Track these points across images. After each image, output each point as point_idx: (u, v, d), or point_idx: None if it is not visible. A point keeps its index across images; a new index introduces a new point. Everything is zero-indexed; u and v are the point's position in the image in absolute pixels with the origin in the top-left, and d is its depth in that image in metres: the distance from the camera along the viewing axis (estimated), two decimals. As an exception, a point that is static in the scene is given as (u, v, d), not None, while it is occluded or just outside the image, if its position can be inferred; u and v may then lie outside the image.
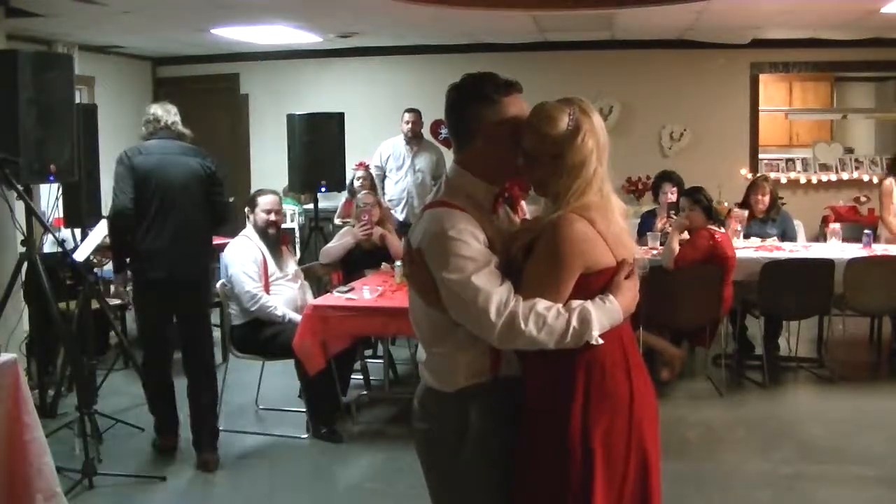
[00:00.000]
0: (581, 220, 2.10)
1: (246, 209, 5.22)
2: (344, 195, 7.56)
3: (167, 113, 4.57)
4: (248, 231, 5.15)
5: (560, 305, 2.07)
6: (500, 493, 2.22)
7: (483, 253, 2.11)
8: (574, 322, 2.05)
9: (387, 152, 7.95)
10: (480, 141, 2.21)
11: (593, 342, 2.07)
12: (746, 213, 6.47)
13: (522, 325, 2.04)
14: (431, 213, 2.19)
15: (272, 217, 5.13)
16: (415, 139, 7.86)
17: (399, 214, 7.68)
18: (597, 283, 2.13)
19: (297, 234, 8.87)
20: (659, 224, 6.51)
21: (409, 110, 7.85)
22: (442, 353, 2.24)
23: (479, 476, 2.24)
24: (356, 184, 7.00)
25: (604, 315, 2.08)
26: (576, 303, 2.09)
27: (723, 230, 5.60)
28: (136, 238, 4.45)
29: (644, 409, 2.17)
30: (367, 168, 7.27)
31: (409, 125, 7.80)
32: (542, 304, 2.06)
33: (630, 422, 2.14)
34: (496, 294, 2.06)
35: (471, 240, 2.11)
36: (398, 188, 7.87)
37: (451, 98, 2.25)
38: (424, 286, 2.19)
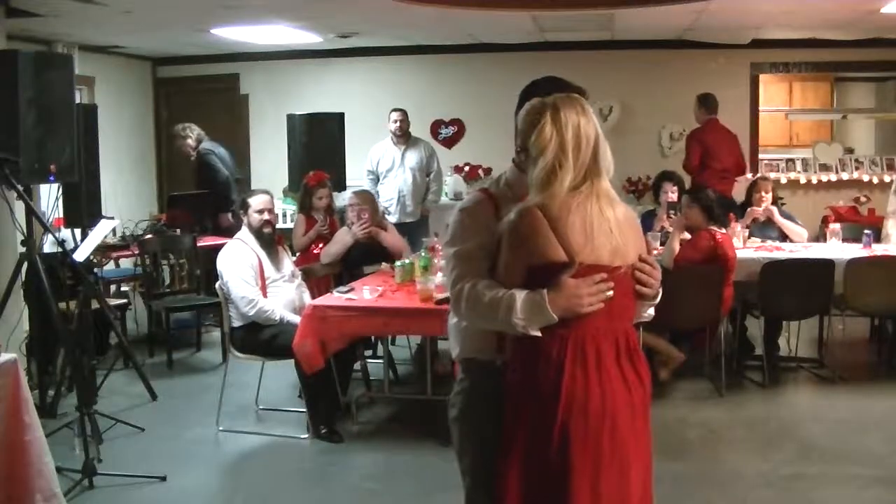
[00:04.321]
0: (533, 212, 2.14)
1: (240, 212, 5.23)
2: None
3: None
4: (244, 234, 5.15)
5: (504, 290, 2.18)
6: (481, 460, 2.36)
7: (475, 233, 2.30)
8: (502, 305, 2.16)
9: (377, 156, 7.92)
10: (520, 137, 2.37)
11: (520, 330, 2.15)
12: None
13: (464, 301, 2.25)
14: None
15: (266, 216, 5.14)
16: (402, 137, 7.84)
17: (392, 216, 7.56)
18: (551, 277, 2.16)
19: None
20: (659, 224, 6.51)
21: (396, 109, 7.86)
22: (452, 323, 2.46)
23: (467, 441, 2.45)
24: (317, 202, 6.09)
25: (529, 306, 2.14)
26: (514, 290, 2.17)
27: (724, 231, 5.60)
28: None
29: (574, 413, 2.14)
30: (327, 183, 6.19)
31: (397, 124, 7.80)
32: (484, 285, 2.22)
33: (553, 419, 2.15)
34: (460, 269, 2.29)
35: (470, 220, 2.33)
36: (390, 188, 7.84)
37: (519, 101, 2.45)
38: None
